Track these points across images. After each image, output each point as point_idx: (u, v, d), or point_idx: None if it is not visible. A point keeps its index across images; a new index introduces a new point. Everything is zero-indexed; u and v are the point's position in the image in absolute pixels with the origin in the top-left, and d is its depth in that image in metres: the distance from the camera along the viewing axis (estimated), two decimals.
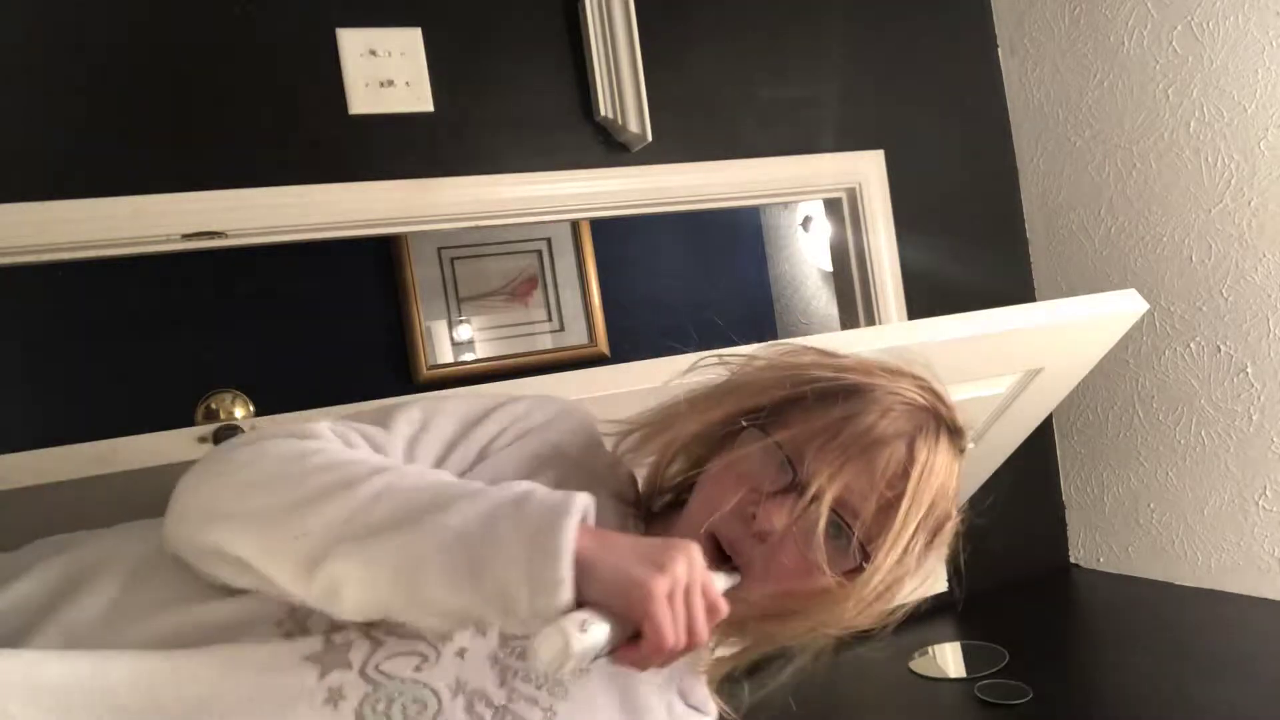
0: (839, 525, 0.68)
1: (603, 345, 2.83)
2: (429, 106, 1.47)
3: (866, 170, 1.80)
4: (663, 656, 0.55)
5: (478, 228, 1.55)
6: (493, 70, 1.52)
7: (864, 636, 0.79)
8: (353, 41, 1.43)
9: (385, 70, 1.44)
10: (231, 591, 0.64)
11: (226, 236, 1.35)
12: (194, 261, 2.05)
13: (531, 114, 1.54)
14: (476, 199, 1.50)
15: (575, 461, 0.75)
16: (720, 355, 0.82)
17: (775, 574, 0.68)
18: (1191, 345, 1.70)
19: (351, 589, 0.56)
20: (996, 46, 1.97)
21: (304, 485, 0.59)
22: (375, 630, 0.63)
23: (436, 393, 0.78)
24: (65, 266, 1.34)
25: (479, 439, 0.72)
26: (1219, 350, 1.66)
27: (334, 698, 0.62)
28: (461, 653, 0.66)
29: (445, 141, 1.48)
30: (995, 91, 1.97)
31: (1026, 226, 1.98)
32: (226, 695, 0.61)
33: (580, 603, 0.54)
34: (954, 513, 0.75)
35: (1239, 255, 1.60)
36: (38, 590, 0.66)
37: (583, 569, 0.54)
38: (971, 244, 1.91)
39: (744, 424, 0.72)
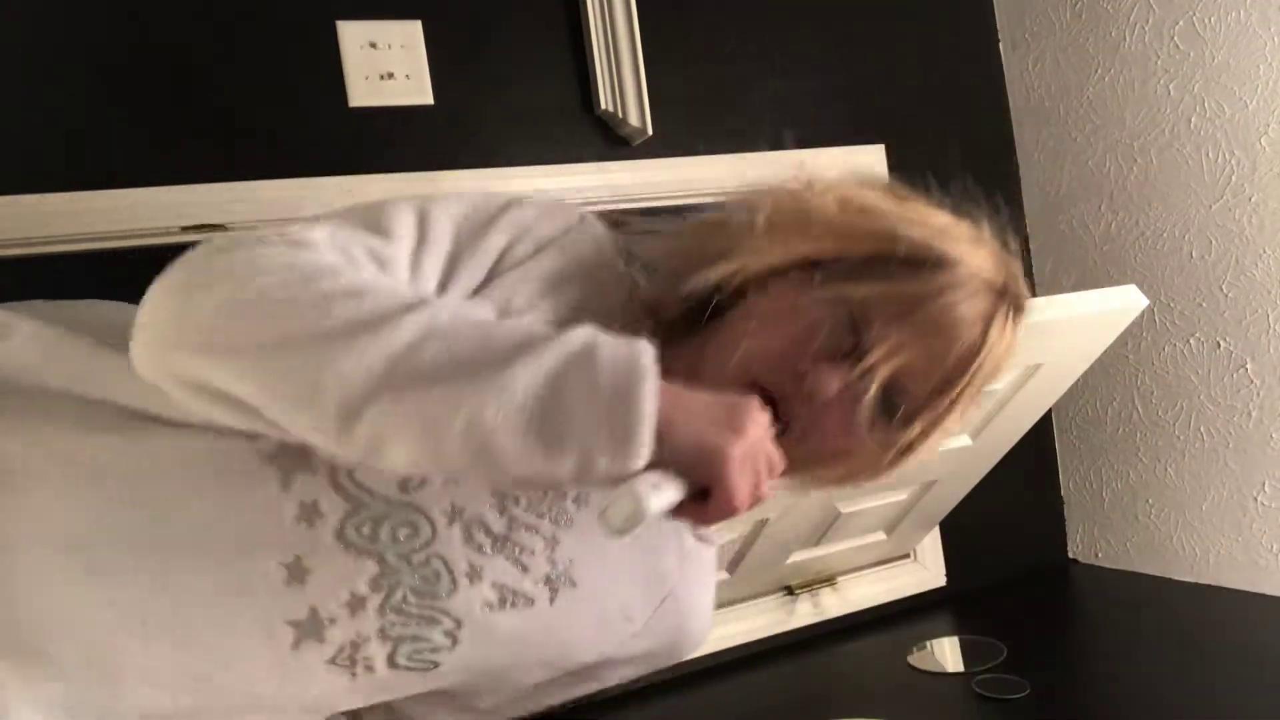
0: (890, 399, 0.64)
1: None
2: (429, 99, 1.47)
3: (868, 164, 1.79)
4: (726, 518, 0.54)
5: None
6: (493, 63, 1.52)
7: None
8: (353, 34, 1.42)
9: (385, 63, 1.44)
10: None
11: (227, 229, 1.35)
12: None
13: (532, 107, 1.54)
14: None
15: (594, 280, 0.68)
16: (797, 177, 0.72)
17: (817, 435, 0.64)
18: (1191, 341, 1.70)
19: (402, 446, 0.49)
20: (998, 40, 1.96)
21: (327, 316, 0.49)
22: None
23: (427, 194, 0.67)
24: (66, 259, 1.34)
25: (487, 253, 0.64)
26: (1219, 346, 1.66)
27: (308, 514, 0.57)
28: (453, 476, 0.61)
29: (445, 135, 1.48)
30: (996, 86, 1.96)
31: (1026, 221, 1.98)
32: (177, 482, 0.57)
33: (651, 462, 0.51)
34: (1004, 370, 0.71)
35: (1239, 251, 1.60)
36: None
37: (658, 432, 0.50)
38: None
39: (818, 275, 0.65)
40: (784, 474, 0.59)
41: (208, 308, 0.52)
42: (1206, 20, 1.59)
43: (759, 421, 0.55)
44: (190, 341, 0.52)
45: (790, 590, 1.70)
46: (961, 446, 1.47)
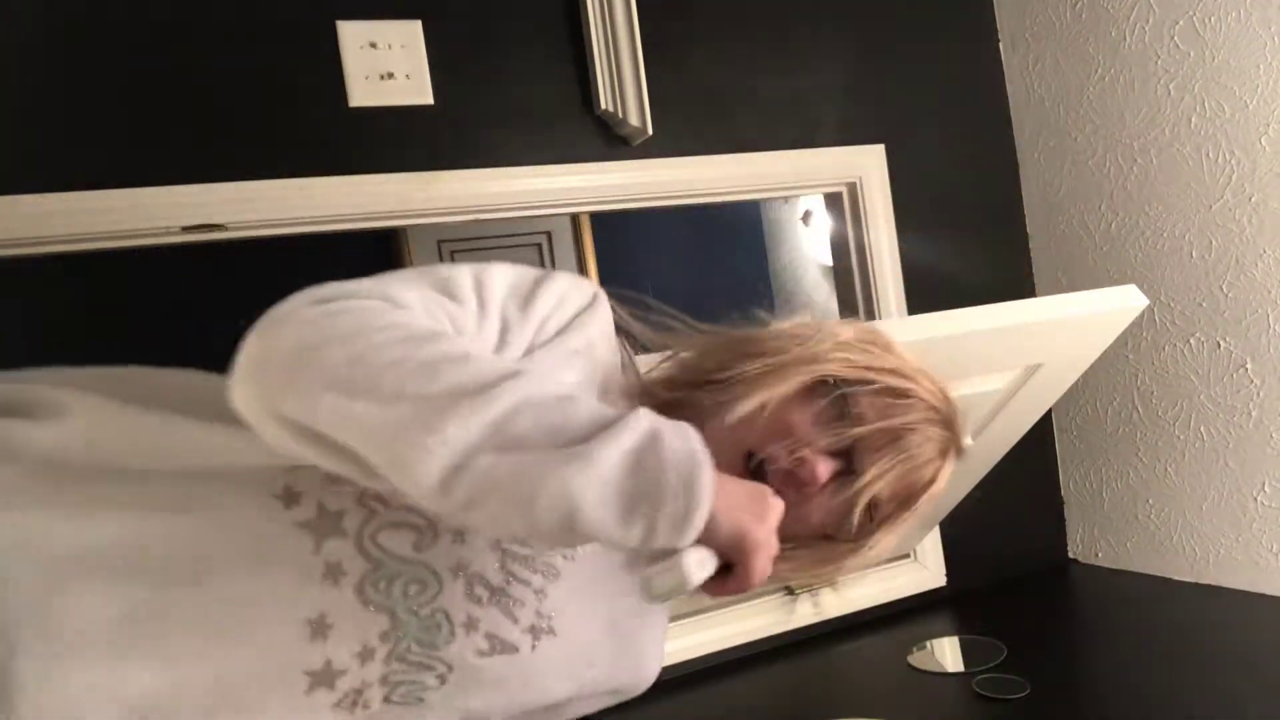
0: (866, 504, 0.76)
1: None
2: (429, 99, 1.47)
3: (867, 164, 1.79)
4: (744, 591, 0.62)
5: (478, 221, 1.54)
6: (493, 63, 1.52)
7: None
8: (353, 34, 1.42)
9: (385, 63, 1.44)
10: (226, 452, 0.64)
11: (226, 229, 1.35)
12: (194, 254, 2.04)
13: (532, 107, 1.54)
14: (476, 192, 1.50)
15: (599, 360, 0.77)
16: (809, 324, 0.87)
17: (799, 520, 0.74)
18: (1191, 341, 1.70)
19: (495, 504, 0.54)
20: (998, 40, 1.96)
21: (435, 380, 0.55)
22: (367, 497, 0.65)
23: (478, 264, 0.75)
24: (65, 259, 1.34)
25: (528, 328, 0.72)
26: (1219, 346, 1.66)
27: (333, 573, 0.63)
28: (460, 535, 0.68)
29: (445, 134, 1.48)
30: (996, 86, 1.96)
31: (1027, 221, 1.98)
32: (220, 557, 0.62)
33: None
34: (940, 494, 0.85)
35: (1239, 251, 1.60)
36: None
37: (709, 515, 0.58)
38: (972, 239, 1.91)
39: (831, 383, 0.77)
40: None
41: (331, 360, 0.56)
42: (1206, 20, 1.60)
43: (777, 510, 0.63)
44: (308, 388, 0.56)
45: (790, 590, 1.70)
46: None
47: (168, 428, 0.67)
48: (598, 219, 2.81)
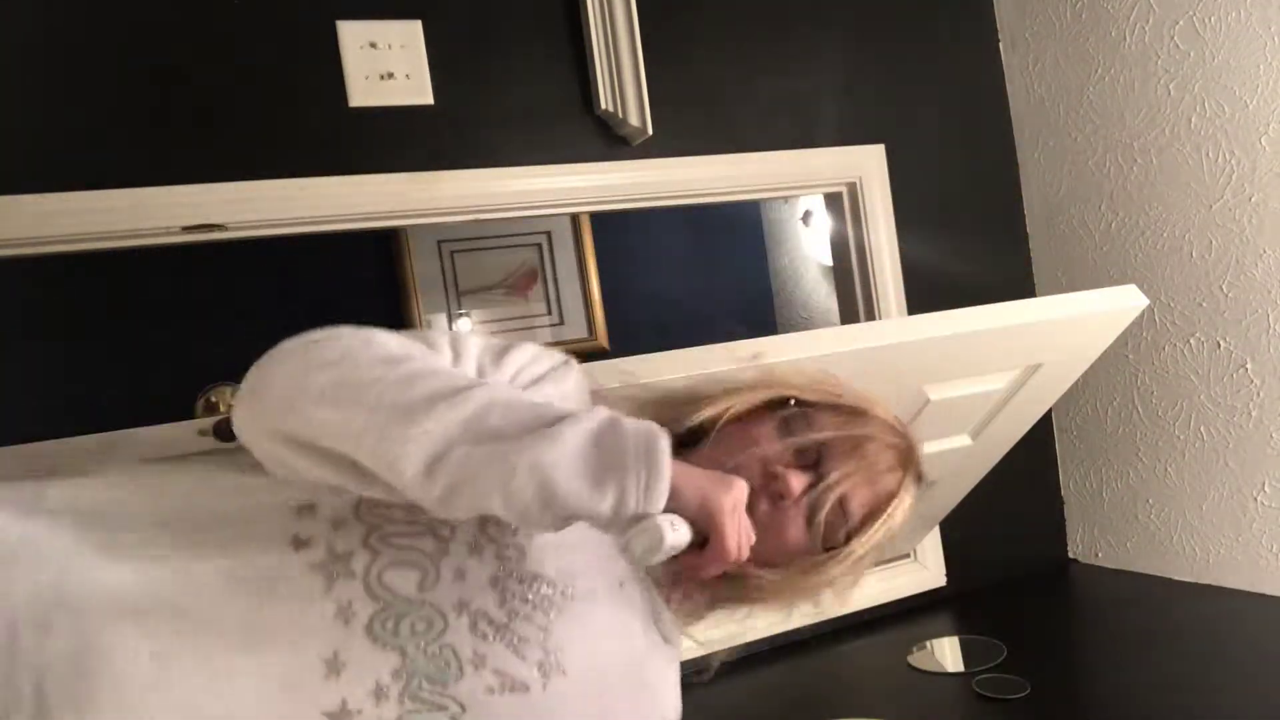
0: (839, 513, 0.81)
1: (602, 339, 2.83)
2: (429, 99, 1.47)
3: (867, 165, 1.79)
4: (721, 563, 0.67)
5: (478, 221, 1.55)
6: (493, 63, 1.52)
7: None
8: (353, 34, 1.42)
9: (385, 63, 1.44)
10: (238, 498, 0.70)
11: (226, 229, 1.35)
12: (194, 254, 2.04)
13: (532, 107, 1.54)
14: (476, 192, 1.50)
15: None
16: (756, 355, 0.97)
17: (773, 532, 0.79)
18: (1191, 341, 1.70)
19: (475, 487, 0.61)
20: (998, 40, 1.96)
21: (414, 387, 0.64)
22: (372, 539, 0.69)
23: (451, 330, 0.83)
24: (65, 259, 1.34)
25: (503, 375, 0.79)
26: (1219, 346, 1.66)
27: (344, 613, 0.67)
28: (460, 573, 0.72)
29: (445, 134, 1.48)
30: (996, 86, 1.96)
31: (1027, 221, 1.98)
32: (237, 600, 0.66)
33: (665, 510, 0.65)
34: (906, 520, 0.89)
35: (1239, 251, 1.60)
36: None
37: (671, 484, 0.64)
38: (972, 239, 1.91)
39: (793, 403, 0.85)
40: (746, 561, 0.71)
41: (321, 381, 0.65)
42: (1206, 20, 1.60)
43: (742, 486, 0.69)
44: (303, 404, 0.65)
45: None
46: (962, 446, 1.47)
47: (184, 473, 0.74)
48: (598, 219, 2.81)
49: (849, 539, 0.82)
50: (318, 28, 1.41)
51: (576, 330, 2.82)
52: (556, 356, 0.86)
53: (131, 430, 0.98)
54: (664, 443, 0.64)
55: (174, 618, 0.65)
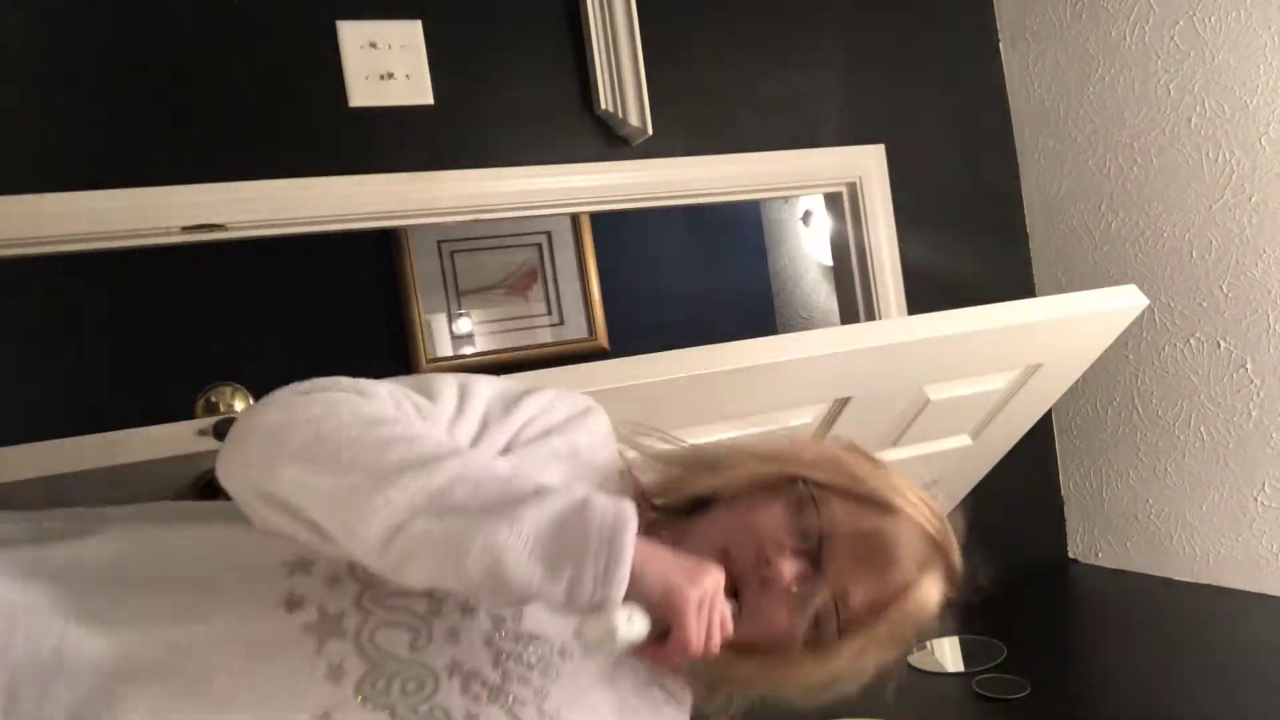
0: (831, 608, 0.76)
1: (602, 339, 2.83)
2: (429, 99, 1.47)
3: (867, 165, 1.79)
4: (683, 657, 0.64)
5: (477, 221, 1.55)
6: (493, 63, 1.52)
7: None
8: (353, 34, 1.42)
9: (385, 63, 1.44)
10: (234, 557, 0.70)
11: (226, 229, 1.35)
12: (194, 254, 2.04)
13: (532, 107, 1.54)
14: (476, 192, 1.50)
15: (588, 464, 0.80)
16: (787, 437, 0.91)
17: (762, 620, 0.75)
18: (1191, 341, 1.70)
19: (427, 561, 0.61)
20: (998, 40, 1.96)
21: (385, 455, 0.63)
22: (364, 600, 0.69)
23: (464, 374, 0.81)
24: (65, 259, 1.34)
25: (508, 427, 0.77)
26: (1219, 346, 1.66)
27: (335, 673, 0.66)
28: (453, 633, 0.70)
29: (445, 134, 1.48)
30: (996, 86, 1.96)
31: (1027, 221, 1.98)
32: (232, 660, 0.66)
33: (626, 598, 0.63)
34: (916, 643, 0.85)
35: (1239, 251, 1.60)
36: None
37: (634, 572, 0.62)
38: (972, 239, 1.91)
39: (800, 483, 0.78)
40: (728, 644, 0.68)
41: (299, 438, 0.65)
42: (1206, 20, 1.60)
43: (715, 578, 0.66)
44: (275, 460, 0.65)
45: None
46: (961, 446, 1.47)
47: (182, 534, 0.74)
48: (598, 219, 2.81)
49: (844, 632, 0.76)
50: (318, 28, 1.41)
51: (576, 330, 2.82)
52: (577, 403, 0.83)
53: (131, 430, 0.98)
54: (629, 530, 0.62)
55: (169, 679, 0.65)
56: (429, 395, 0.75)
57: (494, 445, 0.76)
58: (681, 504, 0.83)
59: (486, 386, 0.79)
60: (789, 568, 0.74)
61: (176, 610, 0.68)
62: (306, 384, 0.71)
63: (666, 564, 0.65)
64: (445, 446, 0.66)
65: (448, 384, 0.77)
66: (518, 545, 0.60)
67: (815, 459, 0.82)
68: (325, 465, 0.63)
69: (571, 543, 0.61)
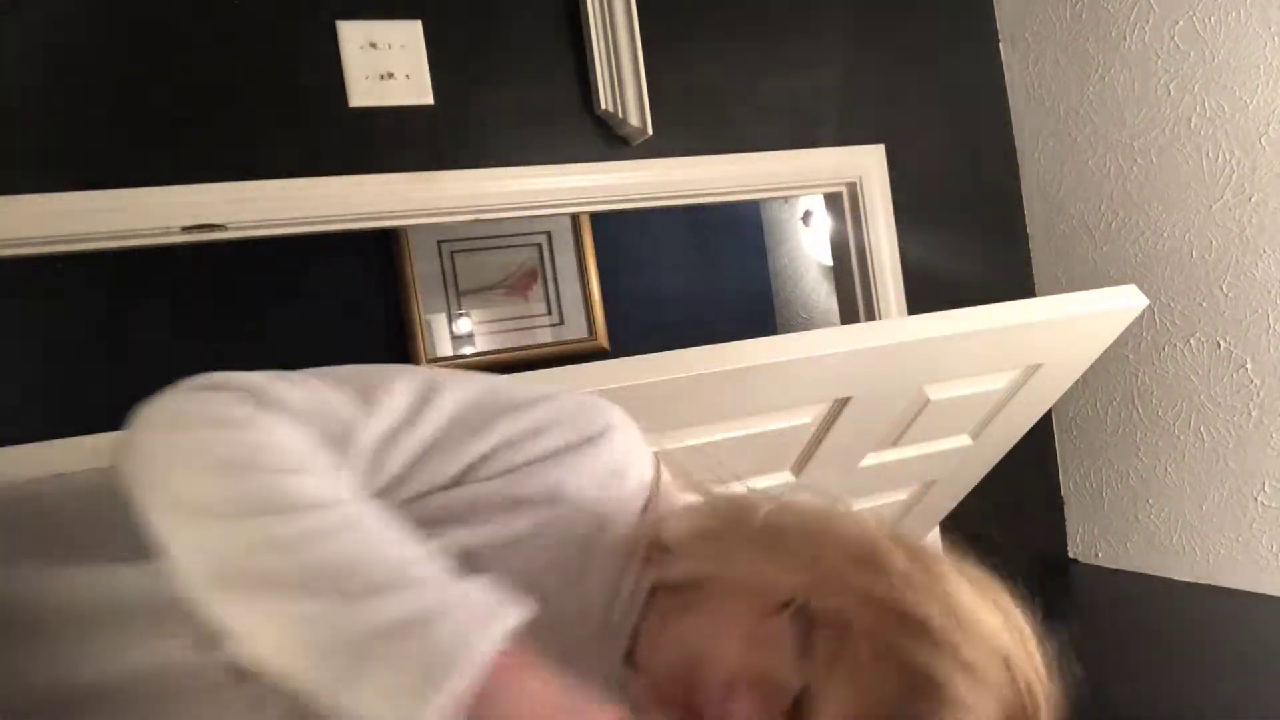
0: None
1: (602, 339, 2.83)
2: (429, 99, 1.47)
3: (867, 165, 1.79)
4: None
5: (478, 221, 1.55)
6: (493, 63, 1.52)
7: None
8: (353, 34, 1.42)
9: (385, 63, 1.44)
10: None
11: (226, 229, 1.35)
12: (194, 254, 2.04)
13: (532, 107, 1.54)
14: (476, 192, 1.50)
15: (575, 509, 0.63)
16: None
17: None
18: (1191, 341, 1.70)
19: (247, 635, 0.51)
20: (998, 40, 1.96)
21: (240, 485, 0.52)
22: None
23: (452, 373, 0.66)
24: (65, 259, 1.34)
25: (462, 456, 0.61)
26: (1219, 346, 1.66)
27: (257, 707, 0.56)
28: None
29: (445, 134, 1.48)
30: (996, 86, 1.96)
31: (1027, 221, 1.98)
32: (165, 709, 0.58)
33: None
34: None
35: (1239, 251, 1.60)
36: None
37: (482, 715, 0.47)
38: (972, 239, 1.91)
39: (797, 604, 0.58)
40: None
41: (164, 442, 0.56)
42: (1206, 20, 1.60)
43: None
44: (143, 469, 0.56)
45: None
46: (961, 446, 1.47)
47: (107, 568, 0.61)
48: (598, 219, 2.81)
49: None
50: (318, 28, 1.41)
51: (576, 330, 2.82)
52: (588, 425, 0.65)
53: None
54: (455, 676, 0.46)
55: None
56: (369, 400, 0.60)
57: (442, 471, 0.61)
58: (680, 580, 0.64)
59: (461, 394, 0.63)
60: (747, 711, 0.56)
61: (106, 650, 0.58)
62: (195, 394, 0.59)
63: (548, 701, 0.49)
64: (316, 497, 0.53)
65: (404, 387, 0.62)
66: (319, 646, 0.48)
67: (837, 564, 0.59)
68: (179, 488, 0.53)
69: (393, 652, 0.47)
